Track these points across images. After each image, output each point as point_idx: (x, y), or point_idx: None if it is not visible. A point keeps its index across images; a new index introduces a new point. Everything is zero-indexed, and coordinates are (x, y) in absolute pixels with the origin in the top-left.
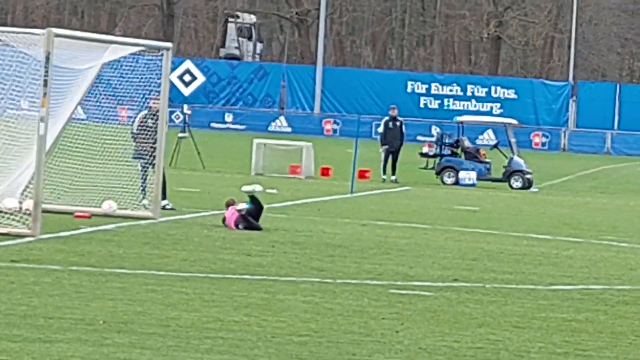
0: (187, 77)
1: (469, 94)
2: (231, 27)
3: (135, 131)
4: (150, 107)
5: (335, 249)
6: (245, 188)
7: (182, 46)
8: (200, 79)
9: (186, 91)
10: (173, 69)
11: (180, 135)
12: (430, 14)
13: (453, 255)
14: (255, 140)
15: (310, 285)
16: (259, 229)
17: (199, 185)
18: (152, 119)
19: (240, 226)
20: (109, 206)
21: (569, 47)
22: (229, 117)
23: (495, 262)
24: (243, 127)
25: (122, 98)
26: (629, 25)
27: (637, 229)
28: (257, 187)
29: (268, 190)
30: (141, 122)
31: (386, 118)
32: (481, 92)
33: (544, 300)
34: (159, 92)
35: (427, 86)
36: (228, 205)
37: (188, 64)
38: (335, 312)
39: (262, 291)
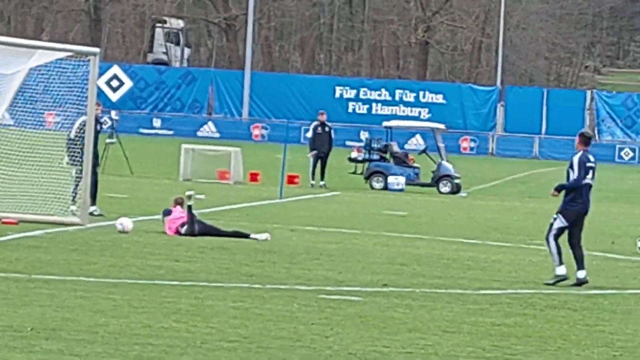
0: (114, 83)
1: (397, 98)
2: (159, 32)
3: (72, 137)
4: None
5: (265, 254)
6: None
7: (110, 51)
8: (128, 84)
9: (114, 97)
10: (100, 75)
11: (108, 140)
12: (358, 19)
13: (382, 260)
14: (184, 146)
15: (239, 291)
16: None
17: (127, 191)
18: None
19: (182, 230)
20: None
21: (497, 52)
22: (157, 123)
23: (425, 267)
24: (171, 132)
25: (50, 104)
26: (557, 30)
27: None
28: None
29: (197, 196)
30: (80, 128)
31: (315, 123)
32: (409, 97)
33: (473, 305)
34: (93, 98)
35: (355, 91)
36: (177, 204)
37: (115, 70)
38: (265, 318)
39: (191, 297)
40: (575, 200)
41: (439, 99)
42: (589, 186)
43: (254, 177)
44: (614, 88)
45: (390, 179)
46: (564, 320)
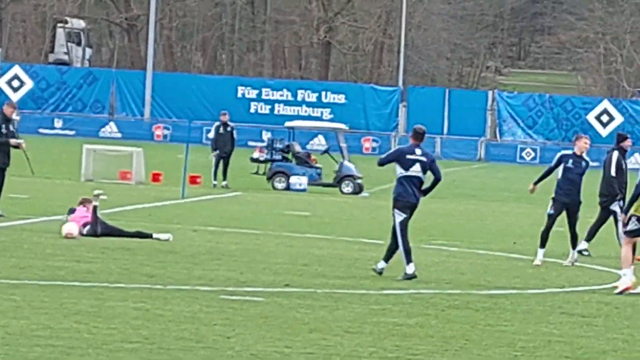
0: (15, 83)
1: (299, 99)
2: (60, 32)
3: None
4: (3, 114)
5: (166, 255)
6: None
7: (11, 51)
8: (29, 84)
9: (14, 97)
10: (1, 75)
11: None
12: (260, 19)
13: (284, 261)
14: (85, 146)
15: (140, 292)
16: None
17: (28, 192)
18: (4, 125)
19: (84, 230)
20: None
21: (399, 52)
22: (58, 123)
23: (327, 267)
24: (73, 132)
25: None
26: (458, 31)
27: (467, 233)
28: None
29: (101, 197)
30: None
31: (217, 123)
32: (312, 97)
33: (376, 305)
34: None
35: (257, 91)
36: (81, 203)
37: (16, 70)
38: (166, 319)
39: (92, 298)
40: (401, 193)
41: (341, 99)
42: (415, 178)
43: (156, 178)
44: (515, 88)
45: (293, 179)
46: (465, 320)
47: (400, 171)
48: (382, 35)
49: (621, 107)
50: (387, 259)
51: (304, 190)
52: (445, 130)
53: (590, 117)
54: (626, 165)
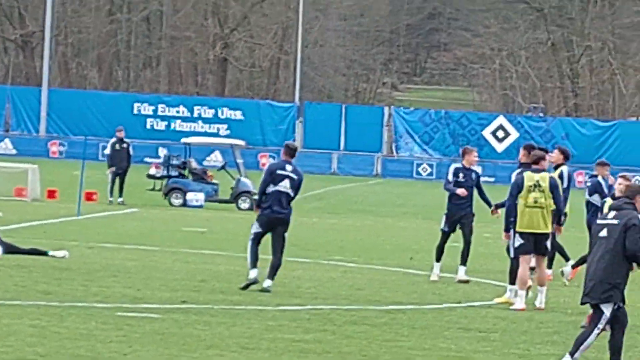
0: None
1: (195, 115)
2: None
3: None
4: None
5: (62, 272)
6: None
7: None
8: None
9: None
10: None
11: None
12: (156, 35)
13: (182, 277)
14: None
15: (36, 309)
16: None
17: None
18: None
19: None
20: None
21: (295, 68)
22: None
23: (224, 283)
24: None
25: None
26: (354, 47)
27: (364, 249)
28: None
29: None
30: None
31: (113, 140)
32: (208, 113)
33: (273, 321)
34: None
35: (153, 107)
36: None
37: None
38: (63, 336)
39: None
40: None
41: (238, 115)
42: (284, 194)
43: (51, 194)
44: (411, 104)
45: (189, 195)
46: (363, 336)
47: (270, 186)
48: (279, 52)
49: (516, 123)
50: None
51: (200, 206)
52: (342, 146)
53: (486, 133)
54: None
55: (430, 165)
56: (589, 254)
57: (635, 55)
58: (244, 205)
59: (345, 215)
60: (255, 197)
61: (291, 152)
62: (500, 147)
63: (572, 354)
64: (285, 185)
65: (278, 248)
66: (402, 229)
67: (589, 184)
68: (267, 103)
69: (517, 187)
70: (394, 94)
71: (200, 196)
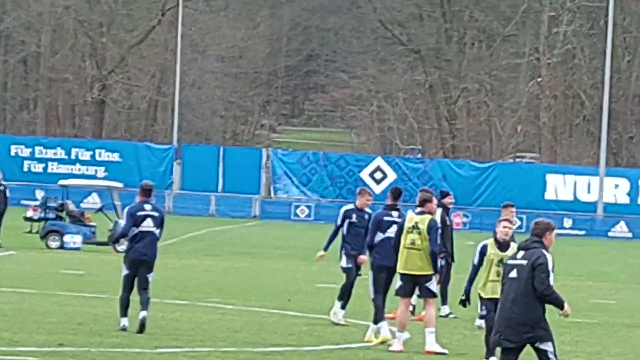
0: None
1: (73, 157)
2: None
3: None
4: None
5: None
6: None
7: None
8: None
9: None
10: None
11: None
12: (33, 77)
13: (59, 320)
14: None
15: None
16: None
17: None
18: None
19: None
20: None
21: (173, 110)
22: None
23: (102, 326)
24: None
25: None
26: (232, 89)
27: (242, 290)
28: None
29: None
30: None
31: None
32: (86, 155)
33: None
34: None
35: (31, 150)
36: None
37: None
38: None
39: None
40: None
41: (116, 157)
42: (148, 233)
43: None
44: (289, 146)
45: (67, 237)
46: None
47: (132, 229)
48: (157, 93)
49: (394, 164)
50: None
51: (78, 248)
52: (220, 187)
53: (364, 175)
54: (451, 222)
55: (308, 207)
56: (500, 293)
57: (512, 97)
58: (122, 247)
59: (223, 257)
60: None
61: (147, 192)
62: (378, 189)
63: None
64: (148, 225)
65: (143, 286)
66: (279, 270)
67: None
68: (144, 145)
69: (377, 224)
70: (272, 136)
71: (78, 238)
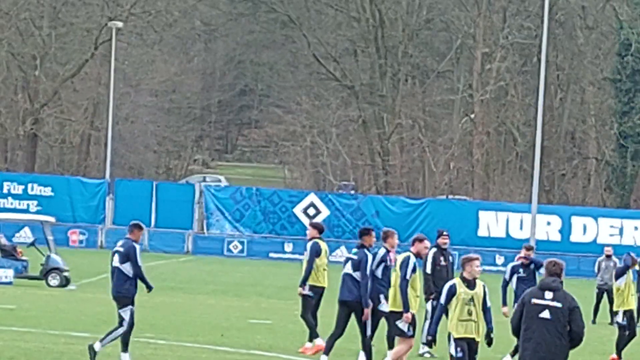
0: None
1: (5, 191)
2: None
3: None
4: None
5: None
6: None
7: None
8: None
9: None
10: None
11: None
12: None
13: None
14: None
15: None
16: None
17: None
18: None
19: None
20: None
21: (106, 144)
22: None
23: None
24: None
25: None
26: (165, 124)
27: (174, 326)
28: None
29: None
30: None
31: None
32: (18, 189)
33: None
34: None
35: None
36: None
37: None
38: None
39: None
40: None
41: (48, 191)
42: (115, 268)
43: None
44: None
45: None
46: None
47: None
48: (90, 127)
49: (327, 200)
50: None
51: (10, 283)
52: (153, 222)
53: (297, 210)
54: (448, 262)
55: (241, 243)
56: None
57: (445, 134)
58: (54, 282)
59: (156, 292)
60: (66, 273)
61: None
62: None
63: None
64: (115, 260)
65: (118, 321)
66: (212, 306)
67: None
68: (77, 179)
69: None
70: (205, 171)
71: (10, 273)
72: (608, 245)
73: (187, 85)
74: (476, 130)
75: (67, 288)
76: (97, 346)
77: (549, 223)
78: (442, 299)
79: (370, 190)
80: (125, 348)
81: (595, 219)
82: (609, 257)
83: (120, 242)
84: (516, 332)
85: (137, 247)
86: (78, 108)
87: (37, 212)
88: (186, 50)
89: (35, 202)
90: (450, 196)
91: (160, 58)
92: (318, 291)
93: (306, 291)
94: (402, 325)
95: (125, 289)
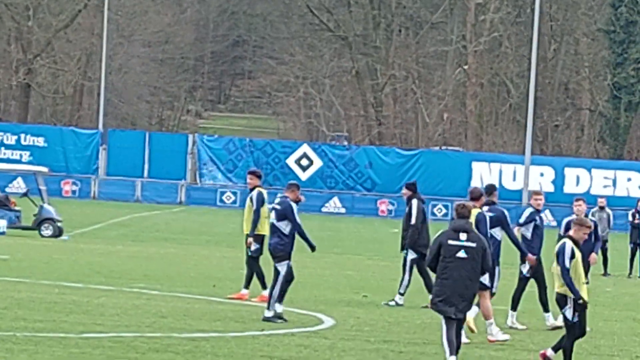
0: None
1: None
2: None
3: None
4: None
5: None
6: None
7: None
8: None
9: None
10: None
11: None
12: None
13: None
14: None
15: None
16: None
17: None
18: None
19: None
20: None
21: (99, 95)
22: None
23: (26, 311)
24: None
25: None
26: (158, 74)
27: (167, 276)
28: None
29: None
30: None
31: None
32: (11, 139)
33: (76, 349)
34: None
35: None
36: None
37: None
38: None
39: None
40: None
41: (41, 142)
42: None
43: None
44: (215, 132)
45: None
46: None
47: None
48: (83, 78)
49: (320, 151)
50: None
51: (2, 233)
52: (146, 173)
53: (290, 161)
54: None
55: (234, 193)
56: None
57: (439, 85)
58: (47, 232)
59: (149, 242)
60: (59, 223)
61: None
62: (304, 176)
63: None
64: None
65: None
66: (205, 257)
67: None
68: (70, 130)
69: None
70: (199, 122)
71: (3, 223)
72: (602, 197)
73: (180, 36)
74: (470, 81)
75: (60, 238)
76: (268, 312)
77: (542, 174)
78: (566, 262)
79: (363, 141)
80: (280, 299)
81: (589, 170)
82: (602, 208)
83: (277, 200)
84: (432, 268)
85: (294, 206)
86: (71, 59)
87: (30, 163)
88: (179, 0)
89: (28, 153)
90: (444, 147)
91: (154, 9)
92: (261, 239)
93: (255, 245)
94: (485, 280)
95: (281, 245)
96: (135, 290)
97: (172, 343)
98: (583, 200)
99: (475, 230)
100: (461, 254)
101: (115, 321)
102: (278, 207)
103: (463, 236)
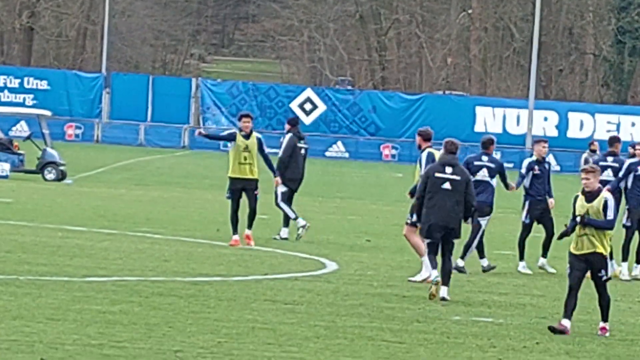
0: None
1: (1, 85)
2: None
3: None
4: None
5: None
6: None
7: None
8: None
9: None
10: None
11: None
12: None
13: None
14: None
15: None
16: None
17: None
18: None
19: None
20: None
21: (102, 38)
22: None
23: (30, 254)
24: None
25: None
26: (162, 18)
27: (171, 220)
28: None
29: None
30: None
31: None
32: (14, 83)
33: (79, 292)
34: None
35: None
36: None
37: None
38: None
39: None
40: None
41: (44, 85)
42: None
43: None
44: (219, 76)
45: None
46: (169, 308)
47: None
48: (86, 21)
49: (324, 96)
50: None
51: (6, 176)
52: (149, 117)
53: (294, 105)
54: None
55: None
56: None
57: (443, 29)
58: (50, 175)
59: (152, 186)
60: (62, 167)
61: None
62: (307, 120)
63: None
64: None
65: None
66: (208, 201)
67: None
68: (73, 73)
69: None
70: (202, 66)
71: (6, 166)
72: (595, 141)
73: None
74: (474, 25)
75: (63, 182)
76: (460, 262)
77: (546, 119)
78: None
79: (367, 86)
80: (481, 255)
81: (592, 114)
82: (593, 151)
83: (486, 158)
84: (419, 198)
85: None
86: (74, 1)
87: (33, 106)
88: None
89: (32, 96)
90: (447, 92)
91: None
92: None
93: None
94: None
95: (490, 200)
96: (139, 234)
97: (175, 287)
98: (545, 142)
99: (461, 164)
100: (446, 185)
101: (119, 265)
102: (492, 165)
103: (449, 169)
